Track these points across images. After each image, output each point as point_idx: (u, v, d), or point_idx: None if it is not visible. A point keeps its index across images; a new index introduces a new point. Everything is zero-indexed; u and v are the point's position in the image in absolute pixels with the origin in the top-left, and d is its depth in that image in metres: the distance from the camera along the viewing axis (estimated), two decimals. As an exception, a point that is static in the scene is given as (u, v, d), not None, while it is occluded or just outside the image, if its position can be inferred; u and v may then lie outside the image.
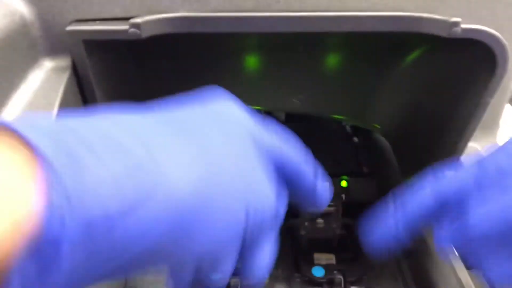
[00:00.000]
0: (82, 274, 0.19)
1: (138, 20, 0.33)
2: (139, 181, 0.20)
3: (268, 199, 0.25)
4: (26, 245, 0.17)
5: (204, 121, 0.25)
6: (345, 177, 0.61)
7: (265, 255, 0.28)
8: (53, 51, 0.37)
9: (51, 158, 0.18)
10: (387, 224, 0.32)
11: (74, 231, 0.17)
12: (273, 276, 0.56)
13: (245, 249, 0.26)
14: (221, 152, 0.24)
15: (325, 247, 0.59)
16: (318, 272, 0.55)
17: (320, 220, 0.59)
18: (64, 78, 0.36)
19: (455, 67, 0.42)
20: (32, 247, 0.17)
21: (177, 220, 0.21)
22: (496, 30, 0.35)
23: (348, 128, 0.73)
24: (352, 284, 0.55)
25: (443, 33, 0.35)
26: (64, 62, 0.37)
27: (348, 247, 0.60)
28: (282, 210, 0.28)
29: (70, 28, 0.34)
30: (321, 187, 0.30)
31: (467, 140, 0.43)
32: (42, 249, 0.17)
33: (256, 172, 0.25)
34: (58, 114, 0.34)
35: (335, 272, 0.55)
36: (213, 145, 0.23)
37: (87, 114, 0.22)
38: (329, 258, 0.58)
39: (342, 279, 0.54)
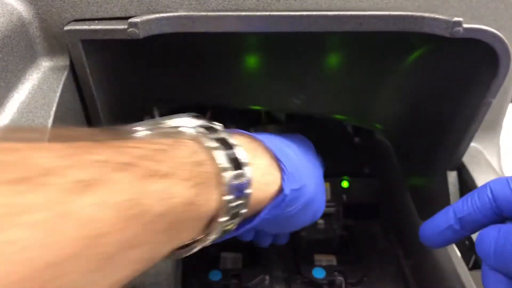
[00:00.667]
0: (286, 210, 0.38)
1: (136, 19, 0.33)
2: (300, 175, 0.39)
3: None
4: (273, 198, 0.36)
5: (301, 142, 0.47)
6: (346, 177, 0.61)
7: None
8: (51, 50, 0.37)
9: (280, 158, 0.37)
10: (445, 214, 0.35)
11: (290, 193, 0.36)
12: (274, 277, 0.56)
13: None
14: (319, 172, 0.46)
15: (325, 248, 0.59)
16: (318, 273, 0.54)
17: (320, 221, 0.59)
18: (62, 78, 0.36)
19: (457, 67, 0.42)
20: (275, 200, 0.36)
21: (308, 198, 0.40)
22: (498, 30, 0.35)
23: (349, 128, 0.73)
24: (353, 286, 0.54)
25: (445, 33, 0.35)
26: (62, 61, 0.37)
27: (349, 248, 0.60)
28: None
29: (68, 27, 0.34)
30: None
31: (469, 140, 0.42)
32: (279, 201, 0.36)
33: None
34: (55, 115, 0.34)
35: (335, 273, 0.54)
36: (317, 167, 0.46)
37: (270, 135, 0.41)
38: (330, 259, 0.58)
39: (343, 280, 0.54)
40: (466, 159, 0.46)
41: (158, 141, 0.28)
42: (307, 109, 0.54)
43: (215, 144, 0.30)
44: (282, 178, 0.36)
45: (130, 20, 0.33)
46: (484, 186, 0.32)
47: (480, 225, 0.33)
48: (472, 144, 0.44)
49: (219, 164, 0.29)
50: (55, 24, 0.35)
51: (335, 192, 0.59)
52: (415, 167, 0.53)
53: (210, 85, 0.52)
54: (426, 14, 0.35)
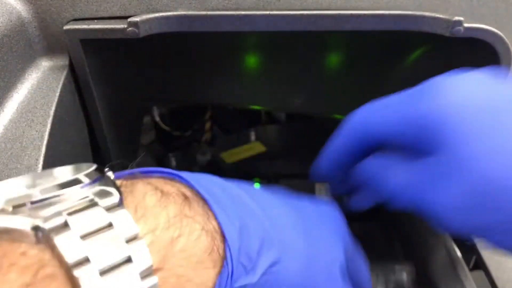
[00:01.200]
0: None
1: (136, 18, 0.33)
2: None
3: None
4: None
5: (310, 212, 0.30)
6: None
7: None
8: (50, 50, 0.37)
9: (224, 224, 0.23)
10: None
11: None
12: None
13: None
14: (319, 243, 0.28)
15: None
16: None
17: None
18: (61, 78, 0.36)
19: (457, 66, 0.42)
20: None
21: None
22: (499, 29, 0.35)
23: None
24: (353, 286, 0.54)
25: (445, 32, 0.35)
26: (62, 61, 0.37)
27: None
28: None
29: (67, 27, 0.34)
30: None
31: (469, 140, 0.42)
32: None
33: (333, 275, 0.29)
34: (55, 114, 0.34)
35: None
36: (313, 234, 0.28)
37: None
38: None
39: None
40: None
41: None
42: (307, 109, 0.54)
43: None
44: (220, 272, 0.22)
45: (129, 19, 0.33)
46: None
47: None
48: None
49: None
50: (55, 23, 0.35)
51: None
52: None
53: (210, 85, 0.52)
54: (427, 14, 0.35)
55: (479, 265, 0.42)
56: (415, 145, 0.28)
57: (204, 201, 0.23)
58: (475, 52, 0.38)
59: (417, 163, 0.28)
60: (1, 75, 0.32)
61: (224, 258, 0.22)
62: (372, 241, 0.62)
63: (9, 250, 0.17)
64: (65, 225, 0.18)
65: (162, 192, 0.22)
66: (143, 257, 0.19)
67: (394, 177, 0.29)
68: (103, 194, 0.20)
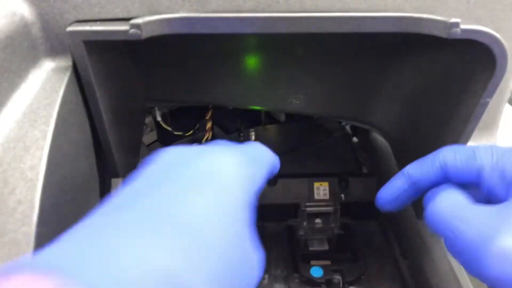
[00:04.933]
0: None
1: (138, 20, 0.33)
2: None
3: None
4: None
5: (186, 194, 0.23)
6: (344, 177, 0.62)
7: None
8: (53, 51, 0.37)
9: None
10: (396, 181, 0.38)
11: None
12: (272, 276, 0.56)
13: None
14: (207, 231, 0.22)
15: (323, 247, 0.59)
16: (316, 272, 0.55)
17: (318, 220, 0.59)
18: (64, 79, 0.36)
19: (454, 67, 0.42)
20: None
21: None
22: (496, 31, 0.35)
23: (347, 128, 0.73)
24: (351, 284, 0.55)
25: (443, 33, 0.35)
26: (65, 62, 0.37)
27: (346, 247, 0.60)
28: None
29: (70, 28, 0.34)
30: None
31: (466, 140, 0.43)
32: None
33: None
34: (58, 115, 0.34)
35: (333, 272, 0.55)
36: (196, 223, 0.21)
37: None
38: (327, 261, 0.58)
39: (341, 279, 0.54)
40: (464, 159, 0.46)
41: None
42: (307, 109, 0.55)
43: None
44: None
45: (131, 21, 0.33)
46: (437, 152, 0.36)
47: (429, 187, 0.36)
48: (469, 144, 0.44)
49: None
50: (58, 25, 0.36)
51: (333, 191, 0.60)
52: (413, 167, 0.53)
53: (210, 85, 0.53)
54: (424, 15, 0.35)
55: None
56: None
57: None
58: (472, 53, 0.38)
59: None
60: (5, 76, 0.33)
61: None
62: (371, 240, 0.62)
63: None
64: None
65: None
66: None
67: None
68: None
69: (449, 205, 0.32)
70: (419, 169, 0.36)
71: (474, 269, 0.28)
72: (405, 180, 0.37)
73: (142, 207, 0.21)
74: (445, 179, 0.35)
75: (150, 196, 0.22)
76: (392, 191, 0.38)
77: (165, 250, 0.19)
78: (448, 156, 0.35)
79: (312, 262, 0.56)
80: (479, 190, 0.34)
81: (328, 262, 0.56)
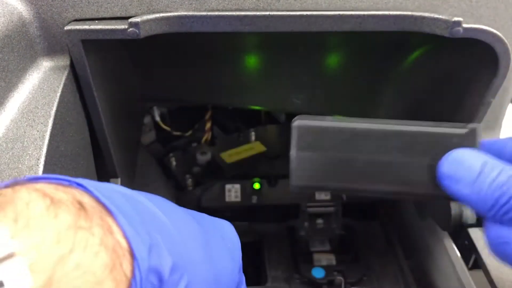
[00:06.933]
0: None
1: (137, 19, 0.33)
2: None
3: None
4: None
5: (209, 222, 0.28)
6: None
7: None
8: (51, 50, 0.37)
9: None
10: None
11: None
12: (273, 277, 0.56)
13: None
14: (221, 262, 0.26)
15: (325, 248, 0.59)
16: (318, 273, 0.54)
17: (320, 221, 0.59)
18: (62, 78, 0.36)
19: (457, 67, 0.42)
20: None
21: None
22: (498, 30, 0.35)
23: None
24: (353, 285, 0.54)
25: (445, 32, 0.35)
26: (63, 61, 0.37)
27: (348, 248, 0.60)
28: None
29: (68, 27, 0.34)
30: None
31: (469, 140, 0.42)
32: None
33: None
34: (56, 114, 0.34)
35: (335, 273, 0.54)
36: (214, 250, 0.26)
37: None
38: (330, 259, 0.58)
39: (342, 280, 0.54)
40: (466, 159, 0.46)
41: None
42: (307, 109, 0.55)
43: None
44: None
45: (130, 20, 0.33)
46: None
47: None
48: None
49: None
50: (56, 24, 0.35)
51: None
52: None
53: (210, 85, 0.52)
54: (426, 14, 0.35)
55: (478, 264, 0.42)
56: None
57: (105, 211, 0.20)
58: (474, 52, 0.38)
59: None
60: (2, 75, 0.32)
61: (131, 278, 0.19)
62: (372, 241, 0.62)
63: None
64: None
65: (52, 199, 0.18)
66: (19, 280, 0.16)
67: None
68: None
69: None
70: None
71: None
72: None
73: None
74: None
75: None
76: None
77: None
78: None
79: (315, 256, 0.56)
80: None
81: (331, 256, 0.56)
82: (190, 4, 0.35)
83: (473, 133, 0.28)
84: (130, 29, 0.33)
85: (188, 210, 0.27)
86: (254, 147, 0.65)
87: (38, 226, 0.17)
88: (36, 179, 0.21)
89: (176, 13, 0.34)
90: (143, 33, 0.33)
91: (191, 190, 0.67)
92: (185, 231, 0.24)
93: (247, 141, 0.66)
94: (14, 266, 0.16)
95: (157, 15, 0.34)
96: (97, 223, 0.19)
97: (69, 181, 0.21)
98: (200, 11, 0.35)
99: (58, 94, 0.35)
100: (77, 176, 0.38)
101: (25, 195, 0.18)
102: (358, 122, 0.29)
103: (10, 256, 0.16)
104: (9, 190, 0.19)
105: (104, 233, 0.19)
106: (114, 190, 0.22)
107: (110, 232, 0.19)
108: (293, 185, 0.28)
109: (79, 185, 0.21)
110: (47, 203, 0.18)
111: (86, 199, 0.20)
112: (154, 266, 0.20)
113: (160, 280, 0.20)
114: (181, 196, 0.66)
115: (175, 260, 0.21)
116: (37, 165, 0.31)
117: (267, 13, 0.34)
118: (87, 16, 0.35)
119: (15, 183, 0.20)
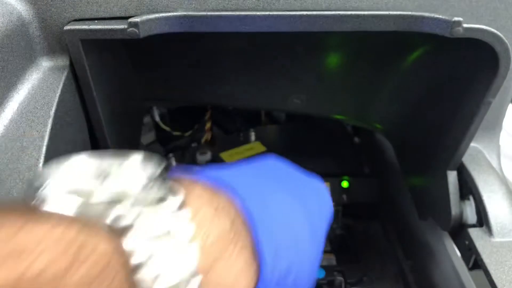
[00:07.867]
0: None
1: (136, 19, 0.33)
2: None
3: None
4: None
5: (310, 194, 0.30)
6: (346, 177, 0.61)
7: None
8: (51, 50, 0.37)
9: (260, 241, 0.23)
10: None
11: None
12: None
13: None
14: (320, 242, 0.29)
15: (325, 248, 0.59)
16: (318, 273, 0.54)
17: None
18: (62, 78, 0.36)
19: (457, 66, 0.42)
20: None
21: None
22: (498, 30, 0.35)
23: (349, 128, 0.73)
24: (353, 285, 0.54)
25: (445, 32, 0.35)
26: (62, 61, 0.37)
27: (348, 248, 0.60)
28: None
29: (68, 27, 0.34)
30: None
31: (469, 140, 0.42)
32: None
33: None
34: (55, 115, 0.34)
35: (335, 273, 0.54)
36: (318, 234, 0.29)
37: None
38: (330, 258, 0.58)
39: (343, 280, 0.54)
40: (466, 159, 0.46)
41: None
42: (307, 109, 0.54)
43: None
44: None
45: (130, 20, 0.33)
46: None
47: None
48: (472, 144, 0.44)
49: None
50: (55, 24, 0.35)
51: (335, 192, 0.59)
52: (415, 167, 0.53)
53: (209, 85, 0.52)
54: (426, 14, 0.35)
55: (478, 264, 0.42)
56: None
57: (248, 227, 0.24)
58: (475, 52, 0.38)
59: None
60: (2, 75, 0.32)
61: (257, 279, 0.23)
62: (372, 241, 0.62)
63: (85, 243, 0.18)
64: (132, 226, 0.20)
65: (218, 204, 0.23)
66: (186, 235, 0.20)
67: None
68: (168, 193, 0.22)
69: None
70: None
71: None
72: None
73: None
74: None
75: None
76: None
77: None
78: None
79: None
80: None
81: (331, 256, 0.56)
82: (190, 4, 0.35)
83: None
84: (130, 29, 0.33)
85: (289, 180, 0.30)
86: (254, 147, 0.65)
87: (208, 225, 0.22)
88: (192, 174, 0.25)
89: (176, 13, 0.34)
90: (143, 33, 0.33)
91: (191, 190, 0.66)
92: (296, 224, 0.26)
93: (247, 141, 0.66)
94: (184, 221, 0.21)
95: (157, 15, 0.34)
96: (244, 229, 0.23)
97: (219, 182, 0.25)
98: (200, 11, 0.35)
99: (58, 94, 0.35)
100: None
101: (199, 196, 0.23)
102: None
103: (184, 217, 0.21)
104: (188, 186, 0.23)
105: (247, 240, 0.23)
106: (247, 185, 0.25)
107: (249, 238, 0.23)
108: None
109: (228, 189, 0.24)
110: (214, 206, 0.23)
111: (235, 206, 0.24)
112: (277, 269, 0.23)
113: (278, 283, 0.24)
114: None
115: (290, 263, 0.24)
116: (36, 165, 0.31)
117: (267, 13, 0.34)
118: (87, 16, 0.35)
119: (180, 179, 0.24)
